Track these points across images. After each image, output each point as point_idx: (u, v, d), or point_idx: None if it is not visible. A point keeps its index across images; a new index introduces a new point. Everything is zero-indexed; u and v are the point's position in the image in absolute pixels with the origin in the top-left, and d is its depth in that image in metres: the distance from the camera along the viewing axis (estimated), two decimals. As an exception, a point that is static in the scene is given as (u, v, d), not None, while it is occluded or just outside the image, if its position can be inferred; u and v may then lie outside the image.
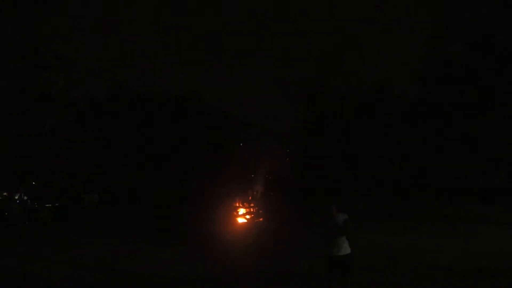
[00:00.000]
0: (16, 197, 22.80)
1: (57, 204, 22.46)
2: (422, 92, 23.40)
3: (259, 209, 16.28)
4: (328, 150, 26.88)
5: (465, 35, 19.86)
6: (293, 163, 25.82)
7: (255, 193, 17.85)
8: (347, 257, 5.88)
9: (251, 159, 22.25)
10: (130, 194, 26.40)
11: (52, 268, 9.41)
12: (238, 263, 9.43)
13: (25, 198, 23.09)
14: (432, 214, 17.68)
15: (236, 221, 15.61)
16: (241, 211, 16.02)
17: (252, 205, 16.45)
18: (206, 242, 11.88)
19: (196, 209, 18.46)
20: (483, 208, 18.48)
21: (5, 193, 23.15)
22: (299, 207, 19.50)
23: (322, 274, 6.11)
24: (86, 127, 26.08)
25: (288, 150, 29.17)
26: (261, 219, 15.73)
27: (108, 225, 16.92)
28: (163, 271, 8.97)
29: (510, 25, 18.97)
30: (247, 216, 15.86)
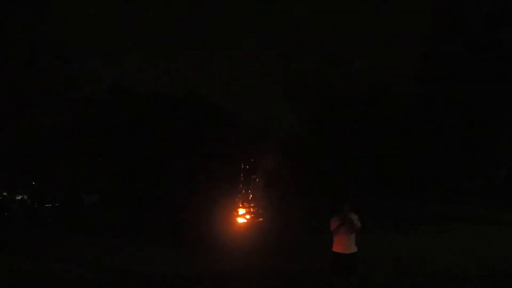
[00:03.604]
0: (18, 198, 22.75)
1: (57, 204, 22.42)
2: (421, 91, 23.42)
3: (259, 209, 16.27)
4: (329, 150, 26.92)
5: (464, 34, 19.87)
6: (294, 163, 25.81)
7: (255, 193, 17.82)
8: (353, 255, 5.93)
9: (252, 159, 22.23)
10: (130, 194, 26.36)
11: (52, 268, 9.41)
12: (238, 263, 9.43)
13: (25, 198, 23.04)
14: (432, 214, 17.67)
15: (236, 221, 15.60)
16: (241, 211, 16.00)
17: (252, 205, 16.43)
18: (205, 242, 11.88)
19: (196, 209, 18.43)
20: (483, 208, 18.46)
21: (5, 193, 23.10)
22: (299, 207, 19.49)
23: (325, 273, 6.12)
24: (86, 127, 26.09)
25: (289, 150, 29.19)
26: (261, 219, 15.72)
27: (108, 225, 16.92)
28: (162, 270, 8.97)
29: (510, 24, 18.99)
30: (247, 216, 15.84)
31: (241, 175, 19.18)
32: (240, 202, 16.50)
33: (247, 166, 19.79)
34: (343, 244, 5.87)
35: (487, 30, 19.16)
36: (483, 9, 19.44)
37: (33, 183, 24.35)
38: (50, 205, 21.89)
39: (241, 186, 18.11)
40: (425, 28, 21.52)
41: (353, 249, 5.93)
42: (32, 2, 13.05)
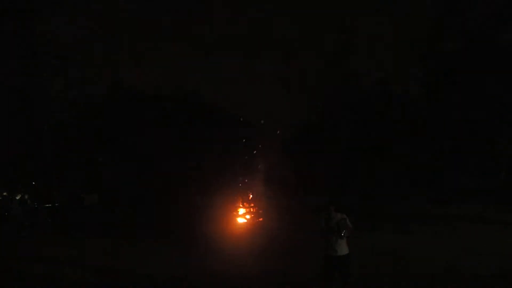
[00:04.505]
0: (17, 197, 22.75)
1: (57, 204, 22.42)
2: (421, 91, 23.44)
3: (259, 209, 16.24)
4: (329, 149, 26.93)
5: (465, 34, 19.88)
6: (294, 162, 25.83)
7: (254, 193, 17.79)
8: (345, 257, 5.79)
9: (251, 158, 22.24)
10: (130, 194, 26.39)
11: (52, 268, 9.41)
12: (238, 263, 9.43)
13: (26, 198, 23.04)
14: (432, 214, 17.67)
15: (236, 221, 15.59)
16: (241, 211, 15.98)
17: (252, 205, 16.40)
18: (206, 242, 11.88)
19: (196, 209, 18.43)
20: (482, 208, 18.45)
21: (5, 193, 23.09)
22: (299, 206, 19.49)
23: (322, 275, 6.09)
24: (86, 127, 26.10)
25: (288, 149, 29.22)
26: (261, 219, 15.70)
27: (107, 225, 16.91)
28: (163, 270, 8.97)
29: (510, 24, 19.01)
30: (247, 216, 15.82)
31: (241, 173, 19.17)
32: (240, 202, 16.47)
33: (247, 165, 19.79)
34: (334, 246, 5.74)
35: (487, 30, 19.16)
36: (484, 9, 19.45)
37: (33, 183, 24.35)
38: (50, 205, 21.87)
39: (241, 184, 18.09)
40: (426, 28, 21.52)
41: (345, 251, 5.79)
42: (32, 2, 13.06)
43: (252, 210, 16.12)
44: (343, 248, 5.79)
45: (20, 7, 12.85)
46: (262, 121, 30.46)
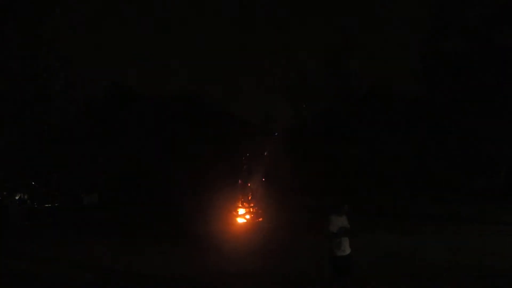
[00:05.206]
0: (17, 197, 22.76)
1: (57, 204, 22.44)
2: (421, 91, 23.41)
3: (259, 209, 16.23)
4: (328, 149, 26.94)
5: (465, 34, 19.87)
6: (293, 162, 25.83)
7: (254, 193, 17.77)
8: (350, 256, 5.94)
9: (251, 158, 22.24)
10: (129, 194, 26.39)
11: (51, 268, 9.41)
12: (238, 264, 9.43)
13: (25, 197, 23.04)
14: (432, 214, 17.67)
15: (236, 221, 15.58)
16: (241, 211, 15.96)
17: (252, 205, 16.39)
18: (205, 242, 11.88)
19: (195, 209, 18.43)
20: (483, 208, 18.47)
21: (4, 193, 23.08)
22: (298, 206, 19.50)
23: (323, 275, 6.10)
24: (86, 127, 26.10)
25: (287, 149, 29.25)
26: (261, 219, 15.70)
27: (107, 225, 16.92)
28: (162, 271, 8.97)
29: (510, 24, 18.99)
30: (247, 216, 15.81)
31: (240, 174, 19.16)
32: (240, 202, 16.46)
33: (246, 164, 19.79)
34: (342, 247, 5.85)
35: (487, 30, 19.15)
36: (483, 9, 19.43)
37: (33, 183, 24.36)
38: (50, 205, 21.89)
39: (240, 183, 18.07)
40: (426, 28, 21.49)
41: (349, 250, 5.93)
42: (32, 2, 13.05)
43: (252, 210, 16.11)
44: (348, 248, 5.94)
45: (21, 9, 12.85)
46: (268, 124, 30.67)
